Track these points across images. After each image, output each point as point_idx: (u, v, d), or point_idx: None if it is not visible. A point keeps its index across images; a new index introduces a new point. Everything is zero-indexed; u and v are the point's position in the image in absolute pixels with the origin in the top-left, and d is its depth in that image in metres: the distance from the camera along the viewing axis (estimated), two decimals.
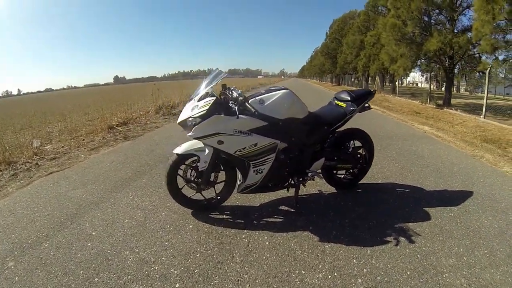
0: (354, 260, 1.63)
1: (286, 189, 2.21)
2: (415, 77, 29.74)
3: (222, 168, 2.16)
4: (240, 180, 2.14)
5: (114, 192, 2.68)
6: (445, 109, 9.20)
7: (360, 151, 2.49)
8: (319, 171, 2.29)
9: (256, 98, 1.94)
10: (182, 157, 2.08)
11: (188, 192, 2.21)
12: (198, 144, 2.02)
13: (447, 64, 9.53)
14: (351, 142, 2.44)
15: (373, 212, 2.20)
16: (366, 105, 2.33)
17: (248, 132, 1.89)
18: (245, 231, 1.95)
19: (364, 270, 1.56)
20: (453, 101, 10.55)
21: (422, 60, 10.30)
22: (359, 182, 2.66)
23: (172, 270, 1.58)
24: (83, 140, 4.96)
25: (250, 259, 1.65)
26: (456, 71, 10.01)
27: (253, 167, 1.98)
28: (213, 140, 1.88)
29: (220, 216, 2.17)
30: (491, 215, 2.18)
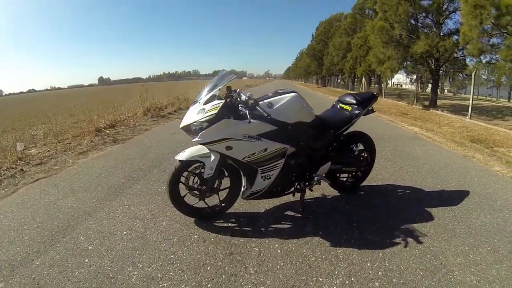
0: (368, 264, 1.68)
1: (292, 194, 2.23)
2: (400, 78, 30.95)
3: (226, 174, 2.15)
4: (244, 186, 2.14)
5: (108, 201, 2.59)
6: (431, 110, 9.65)
7: (363, 154, 2.56)
8: (324, 175, 2.33)
9: (265, 101, 1.94)
10: (185, 164, 2.04)
11: (190, 200, 2.18)
12: (203, 149, 1.99)
13: (433, 66, 10.04)
14: (356, 145, 2.51)
15: (378, 215, 2.27)
16: (370, 108, 2.41)
17: (258, 137, 1.89)
18: (254, 239, 1.94)
19: (379, 273, 1.61)
20: (439, 102, 11.10)
21: (408, 62, 10.78)
22: (361, 185, 2.74)
23: (183, 286, 1.53)
24: (70, 143, 4.80)
25: (264, 269, 1.65)
26: (440, 72, 10.54)
27: (261, 173, 1.98)
28: (221, 146, 1.86)
29: (226, 224, 2.15)
30: (489, 214, 2.32)
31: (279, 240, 1.92)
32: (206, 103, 1.89)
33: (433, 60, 10.05)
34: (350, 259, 1.72)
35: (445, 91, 22.29)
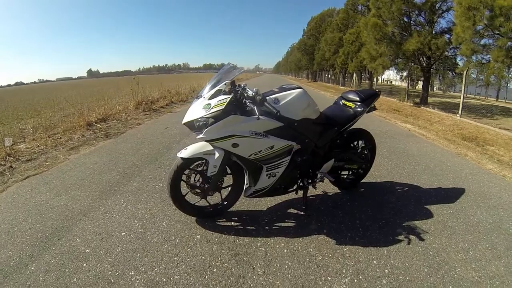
0: (375, 262, 1.71)
1: (295, 191, 2.24)
2: (390, 75, 31.56)
3: (229, 172, 2.12)
4: (247, 184, 2.13)
5: (103, 199, 2.51)
6: (422, 107, 9.90)
7: (365, 151, 2.60)
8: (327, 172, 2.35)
9: (271, 97, 1.91)
10: (188, 162, 1.99)
11: (191, 198, 2.15)
12: (206, 146, 1.94)
13: (424, 64, 10.28)
14: (358, 142, 2.54)
15: (380, 212, 2.32)
16: (372, 105, 2.43)
17: (265, 134, 1.87)
18: (259, 238, 1.94)
19: (386, 270, 1.64)
20: (429, 99, 11.39)
21: (400, 59, 10.98)
22: (360, 182, 2.78)
23: None
24: (60, 138, 4.67)
25: (272, 269, 1.64)
26: (431, 70, 10.81)
27: (266, 171, 1.97)
28: (227, 143, 1.82)
29: (229, 223, 2.13)
30: (485, 211, 2.41)
31: (285, 239, 1.93)
32: (211, 98, 1.83)
33: (424, 58, 10.29)
34: (357, 257, 1.75)
35: (435, 88, 22.93)
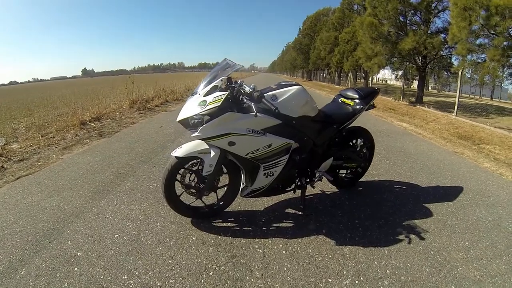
0: (376, 262, 1.68)
1: (293, 191, 2.20)
2: (385, 74, 31.78)
3: (225, 171, 2.07)
4: (243, 183, 2.08)
5: (96, 200, 2.45)
6: (418, 106, 9.96)
7: (363, 149, 2.56)
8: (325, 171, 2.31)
9: (269, 93, 1.86)
10: (182, 161, 1.93)
11: (186, 198, 2.09)
12: (201, 145, 1.88)
13: (420, 63, 10.34)
14: (358, 140, 2.51)
15: (379, 211, 2.29)
16: (371, 103, 2.40)
17: (262, 132, 1.81)
18: (257, 239, 1.88)
19: (387, 271, 1.61)
20: (424, 98, 11.48)
21: (396, 59, 11.04)
22: (358, 180, 2.75)
23: None
24: (53, 137, 4.60)
25: (271, 272, 1.59)
26: (426, 70, 10.89)
27: (263, 170, 1.92)
28: (223, 141, 1.76)
29: (225, 224, 2.08)
30: (484, 209, 2.41)
31: (283, 240, 1.88)
32: (207, 94, 1.77)
33: (420, 57, 10.35)
34: (357, 258, 1.71)
35: (429, 88, 23.17)
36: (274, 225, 2.06)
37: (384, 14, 9.78)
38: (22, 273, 1.59)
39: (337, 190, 2.65)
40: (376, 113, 8.00)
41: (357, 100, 2.32)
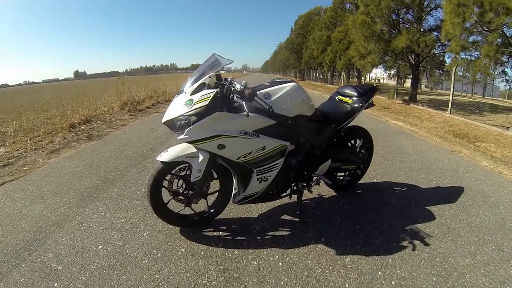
0: (379, 273, 1.56)
1: (289, 196, 2.07)
2: (377, 73, 31.99)
3: (215, 176, 1.92)
4: (235, 189, 1.94)
5: (81, 207, 2.30)
6: (411, 104, 9.98)
7: (362, 150, 2.45)
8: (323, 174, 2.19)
9: (261, 91, 1.71)
10: (168, 166, 1.79)
11: (174, 206, 1.94)
12: (189, 148, 1.73)
13: (413, 62, 10.37)
14: (357, 141, 2.40)
15: (380, 215, 2.19)
16: (370, 101, 2.29)
17: (255, 133, 1.67)
18: (251, 250, 1.75)
19: (393, 282, 1.50)
20: (418, 97, 11.52)
21: (389, 57, 11.05)
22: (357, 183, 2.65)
23: None
24: (41, 141, 4.44)
25: (266, 287, 1.46)
26: (420, 68, 10.93)
27: (257, 175, 1.78)
28: (212, 144, 1.62)
29: (216, 233, 1.94)
30: (486, 210, 2.34)
31: (279, 250, 1.75)
32: (193, 93, 1.62)
33: (413, 56, 10.38)
34: (360, 268, 1.59)
35: (422, 86, 23.43)
36: (270, 233, 1.93)
37: (377, 12, 9.77)
38: None
39: (335, 193, 2.54)
40: (370, 112, 7.96)
41: (355, 98, 2.20)
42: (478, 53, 6.66)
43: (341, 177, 2.52)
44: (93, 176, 2.97)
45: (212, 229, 1.97)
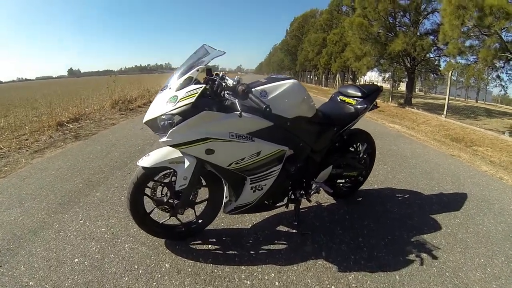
0: None
1: (285, 205, 1.89)
2: (372, 76, 32.21)
3: (204, 184, 1.73)
4: (227, 197, 1.76)
5: (60, 213, 2.11)
6: (407, 108, 9.97)
7: (364, 155, 2.30)
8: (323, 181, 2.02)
9: (257, 88, 1.52)
10: (151, 172, 1.59)
11: (158, 215, 1.77)
12: (173, 152, 1.54)
13: (409, 65, 10.37)
14: (360, 145, 2.25)
15: (383, 225, 2.05)
16: (375, 103, 2.14)
17: (249, 137, 1.48)
18: (243, 267, 1.57)
19: None
20: (413, 100, 11.54)
21: (384, 60, 11.05)
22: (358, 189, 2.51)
23: None
24: (27, 140, 4.23)
25: None
26: (415, 71, 10.95)
27: (250, 183, 1.60)
28: (199, 149, 1.42)
29: (205, 247, 1.75)
30: (492, 218, 2.25)
31: (275, 267, 1.58)
32: (179, 88, 1.41)
33: (409, 59, 10.39)
34: (365, 287, 1.44)
35: (416, 89, 23.67)
36: (264, 247, 1.75)
37: (374, 14, 9.77)
38: None
39: (334, 201, 2.39)
40: (366, 115, 7.85)
41: (359, 99, 2.04)
42: (474, 57, 6.67)
43: (341, 184, 2.36)
44: (76, 178, 2.78)
45: (200, 242, 1.79)
